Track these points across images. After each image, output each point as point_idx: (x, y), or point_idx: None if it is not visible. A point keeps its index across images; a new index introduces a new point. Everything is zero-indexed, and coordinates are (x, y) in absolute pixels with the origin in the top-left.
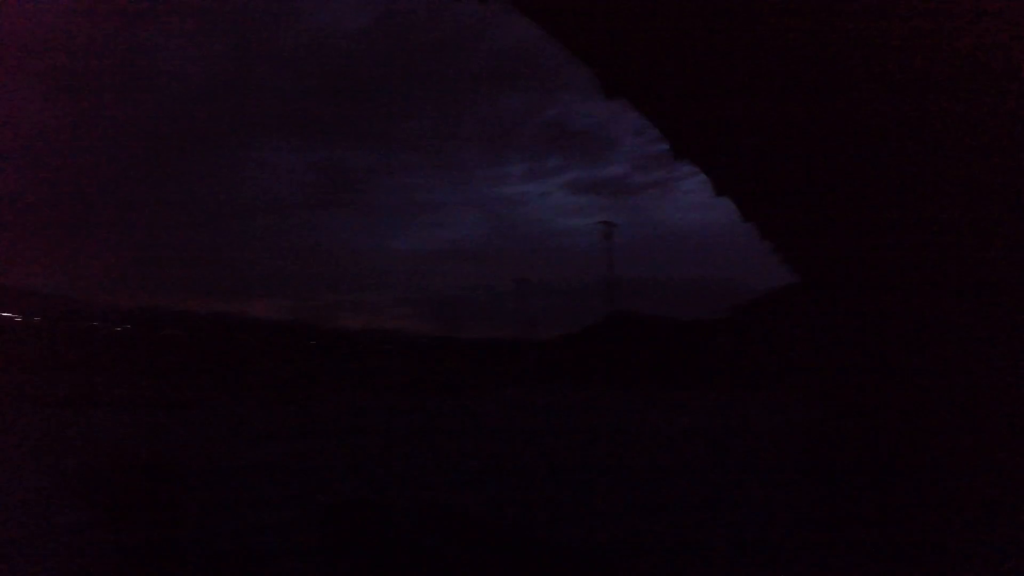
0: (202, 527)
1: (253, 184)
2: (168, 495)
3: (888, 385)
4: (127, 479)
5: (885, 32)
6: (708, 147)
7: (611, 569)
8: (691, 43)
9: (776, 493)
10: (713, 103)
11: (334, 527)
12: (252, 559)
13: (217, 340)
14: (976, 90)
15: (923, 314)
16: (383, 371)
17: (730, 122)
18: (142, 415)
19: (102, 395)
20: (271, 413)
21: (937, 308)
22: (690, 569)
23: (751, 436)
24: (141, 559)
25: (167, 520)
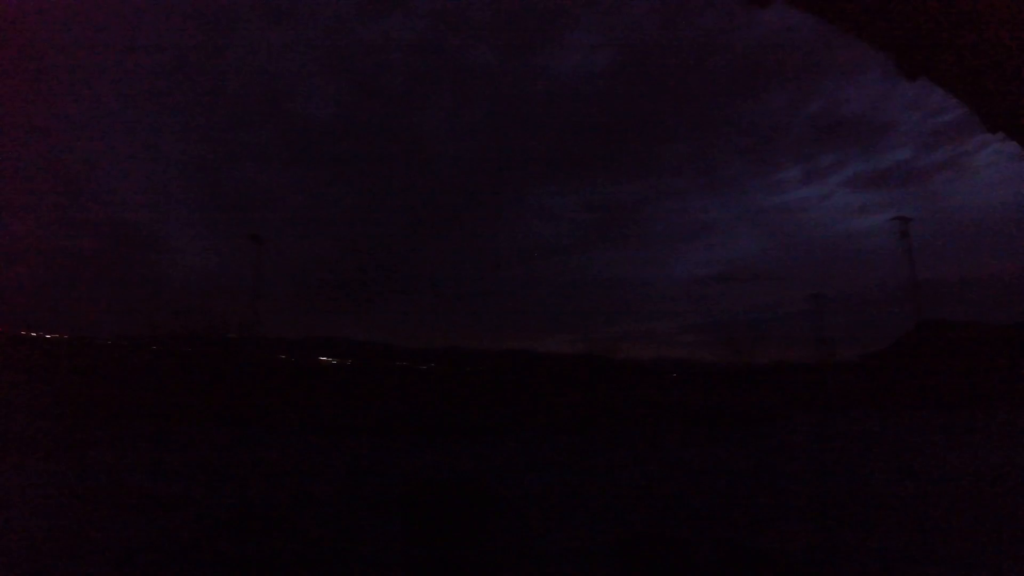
0: (504, 550)
1: (535, 229)
2: (473, 518)
3: None
4: (437, 501)
5: None
6: None
7: None
8: None
9: None
10: None
11: (628, 560)
12: None
13: (514, 374)
14: None
15: None
16: (672, 401)
17: None
18: (448, 443)
19: (411, 425)
20: (566, 443)
21: None
22: None
23: None
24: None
25: (472, 541)
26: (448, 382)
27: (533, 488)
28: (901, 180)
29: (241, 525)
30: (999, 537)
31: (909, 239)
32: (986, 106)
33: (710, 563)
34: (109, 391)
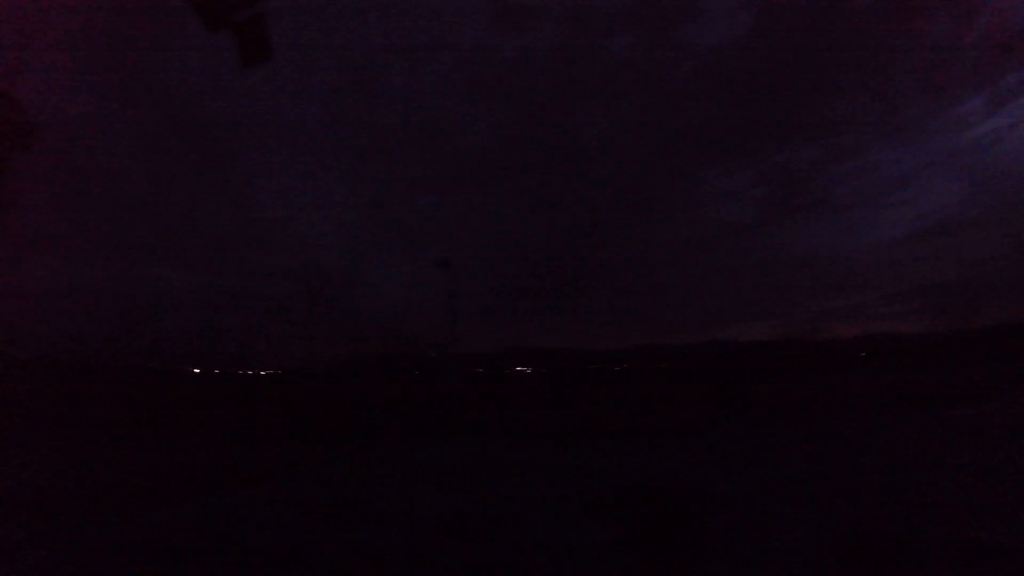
0: (723, 551)
1: (712, 210)
2: (691, 517)
3: None
4: (653, 501)
5: None
6: None
7: None
8: None
9: None
10: None
11: (853, 561)
12: None
13: (712, 366)
14: None
15: None
16: (882, 379)
17: None
18: (653, 442)
19: (611, 425)
20: (773, 436)
21: None
22: None
23: None
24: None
25: (693, 542)
26: (644, 380)
27: (744, 487)
28: None
29: (462, 529)
30: None
31: None
32: None
33: (940, 560)
34: (321, 415)
